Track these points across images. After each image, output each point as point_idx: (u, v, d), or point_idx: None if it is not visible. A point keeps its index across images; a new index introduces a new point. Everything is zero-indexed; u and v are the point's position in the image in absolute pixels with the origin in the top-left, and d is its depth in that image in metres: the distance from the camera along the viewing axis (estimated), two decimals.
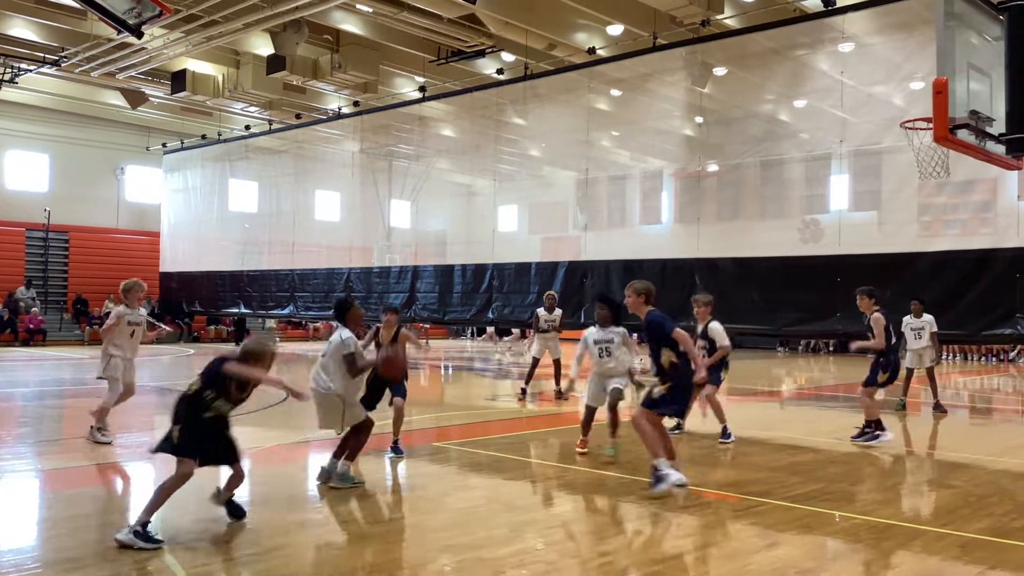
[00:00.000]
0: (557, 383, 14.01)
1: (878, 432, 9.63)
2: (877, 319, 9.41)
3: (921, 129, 9.35)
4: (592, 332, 8.79)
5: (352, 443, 7.31)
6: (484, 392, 16.29)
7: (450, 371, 20.51)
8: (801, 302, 14.41)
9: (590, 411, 8.87)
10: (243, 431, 10.41)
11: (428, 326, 30.62)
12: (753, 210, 17.14)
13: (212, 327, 31.34)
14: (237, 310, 27.49)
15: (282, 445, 9.52)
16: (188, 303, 29.01)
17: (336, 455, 7.36)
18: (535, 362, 14.19)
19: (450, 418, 12.14)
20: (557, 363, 13.96)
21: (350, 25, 20.67)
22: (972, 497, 7.22)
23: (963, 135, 6.93)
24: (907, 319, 12.65)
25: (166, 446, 5.69)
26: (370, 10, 19.47)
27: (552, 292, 15.00)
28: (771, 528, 6.13)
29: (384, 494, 7.44)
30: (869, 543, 5.80)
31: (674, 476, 6.72)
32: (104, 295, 28.86)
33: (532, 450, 9.60)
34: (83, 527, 5.90)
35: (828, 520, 6.40)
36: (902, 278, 13.35)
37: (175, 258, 29.41)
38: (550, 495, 7.35)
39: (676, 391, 7.07)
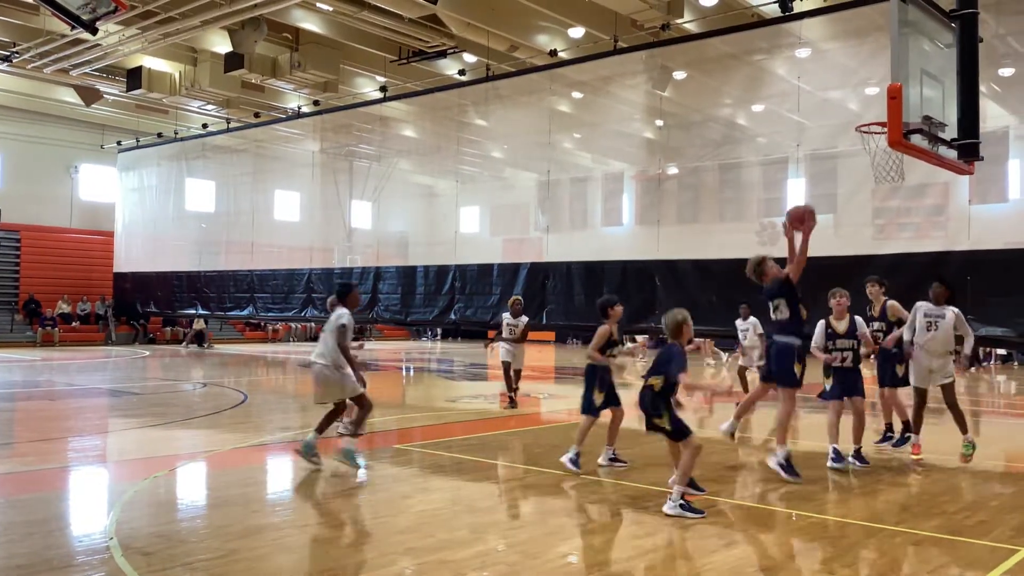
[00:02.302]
0: (510, 389, 13.15)
1: (908, 434, 9.17)
2: (894, 306, 8.90)
3: (876, 134, 9.51)
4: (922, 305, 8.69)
5: (358, 415, 8.08)
6: (448, 393, 16.24)
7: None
8: (761, 303, 14.54)
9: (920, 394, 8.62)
10: (199, 434, 10.33)
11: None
12: (712, 212, 17.32)
13: (168, 328, 30.87)
14: (194, 311, 27.08)
15: (239, 448, 9.40)
16: (143, 304, 28.50)
17: (319, 429, 8.01)
18: (506, 366, 13.14)
19: (411, 420, 12.09)
20: (517, 373, 13.14)
21: (310, 23, 20.49)
22: (925, 496, 7.36)
23: (917, 140, 7.07)
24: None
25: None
26: (330, 9, 19.32)
27: (518, 297, 14.15)
28: (729, 527, 6.19)
29: (344, 496, 7.37)
30: (825, 541, 5.89)
31: None
32: (57, 295, 28.31)
33: (494, 452, 9.59)
34: (35, 532, 5.76)
35: (785, 519, 6.48)
36: (857, 280, 13.55)
37: (130, 258, 28.89)
38: (512, 497, 7.35)
39: None
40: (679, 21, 17.53)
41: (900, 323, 8.65)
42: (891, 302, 8.86)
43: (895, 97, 6.78)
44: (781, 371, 8.07)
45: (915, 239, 13.85)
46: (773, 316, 8.43)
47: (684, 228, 17.07)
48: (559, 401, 14.41)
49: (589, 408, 8.26)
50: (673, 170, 17.42)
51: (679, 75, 17.03)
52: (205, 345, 28.70)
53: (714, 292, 15.07)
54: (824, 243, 14.40)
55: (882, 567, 5.41)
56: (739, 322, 13.69)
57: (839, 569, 5.27)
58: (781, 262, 14.34)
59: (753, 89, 16.06)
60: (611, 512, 6.70)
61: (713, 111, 17.05)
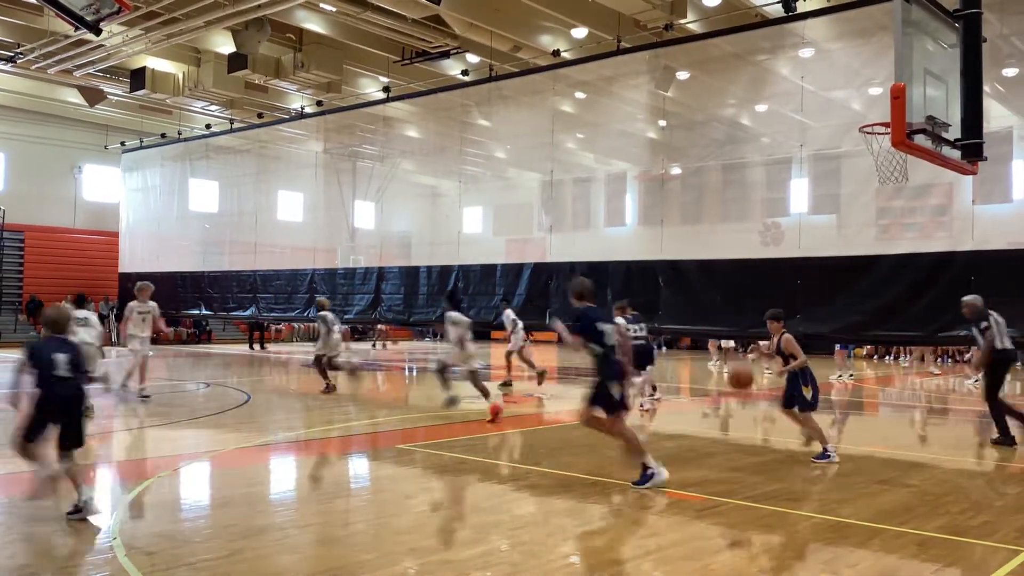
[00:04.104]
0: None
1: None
2: (789, 339, 8.98)
3: (879, 134, 9.51)
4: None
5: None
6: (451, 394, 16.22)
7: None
8: (763, 304, 14.47)
9: None
10: (202, 434, 10.33)
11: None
12: (715, 213, 17.32)
13: (172, 328, 30.89)
14: (198, 311, 27.11)
15: (242, 448, 9.41)
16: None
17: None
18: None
19: (414, 420, 12.09)
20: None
21: (313, 24, 20.51)
22: (929, 496, 7.35)
23: (920, 140, 7.06)
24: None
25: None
26: (334, 9, 19.34)
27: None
28: (733, 528, 6.18)
29: (347, 496, 7.38)
30: (829, 542, 5.88)
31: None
32: (60, 296, 28.25)
33: (496, 452, 9.59)
34: (39, 532, 5.77)
35: (789, 519, 6.47)
36: (861, 280, 13.58)
37: (134, 258, 28.90)
38: (514, 497, 7.34)
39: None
40: (682, 21, 17.52)
41: (794, 356, 8.83)
42: (786, 335, 9.01)
43: (899, 97, 6.77)
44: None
45: (919, 239, 13.84)
46: None
47: (687, 228, 17.07)
48: (562, 402, 14.40)
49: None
50: (676, 170, 17.42)
51: (682, 75, 17.03)
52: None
53: (718, 292, 15.07)
54: (827, 244, 14.46)
55: (885, 568, 5.40)
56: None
57: (843, 569, 5.26)
58: (783, 262, 14.39)
59: (756, 89, 16.05)
60: (613, 512, 6.69)
61: (716, 111, 17.05)
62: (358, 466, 8.89)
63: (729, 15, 16.89)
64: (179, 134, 27.46)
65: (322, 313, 15.05)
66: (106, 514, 6.39)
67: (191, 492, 7.63)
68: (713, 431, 11.43)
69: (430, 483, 7.68)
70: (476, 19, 18.95)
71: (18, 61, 22.45)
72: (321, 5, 19.27)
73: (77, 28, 12.59)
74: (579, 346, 7.30)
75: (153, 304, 13.36)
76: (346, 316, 21.78)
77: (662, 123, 17.69)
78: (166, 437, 10.23)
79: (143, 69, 23.35)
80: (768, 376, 17.57)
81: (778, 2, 14.52)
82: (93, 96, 26.13)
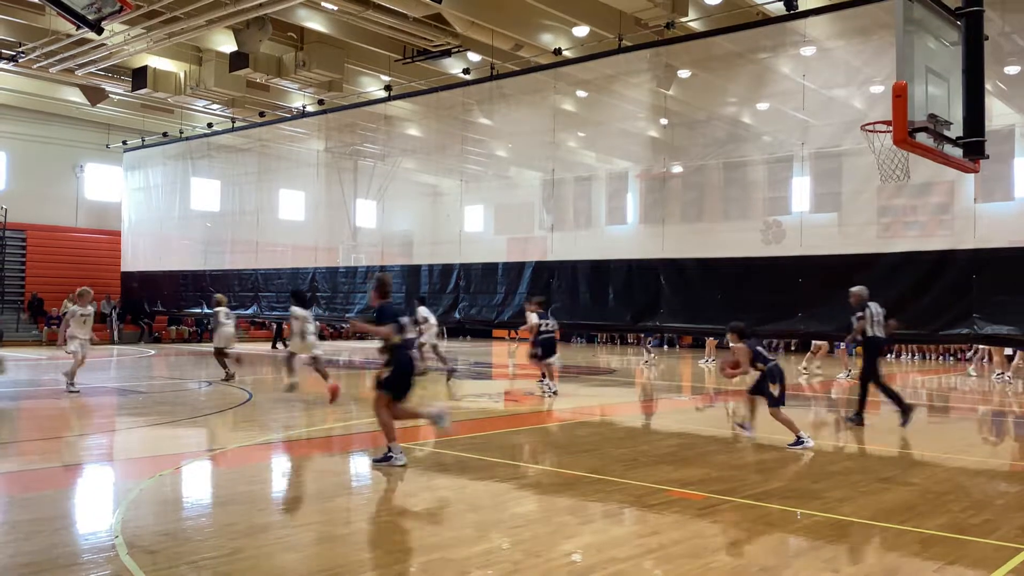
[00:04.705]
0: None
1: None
2: (740, 349, 9.92)
3: (881, 132, 9.51)
4: None
5: None
6: (453, 392, 16.24)
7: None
8: (764, 302, 14.58)
9: None
10: (204, 433, 10.34)
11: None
12: (716, 211, 17.33)
13: (174, 327, 30.93)
14: (199, 310, 27.13)
15: (244, 447, 9.42)
16: (150, 303, 28.56)
17: None
18: None
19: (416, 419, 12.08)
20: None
21: (315, 23, 20.50)
22: (931, 494, 7.35)
23: (922, 138, 7.05)
24: None
25: None
26: (335, 8, 19.32)
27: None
28: (734, 526, 6.19)
29: (349, 495, 7.39)
30: (830, 540, 5.88)
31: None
32: (63, 294, 28.31)
33: (498, 451, 9.59)
34: (40, 531, 5.78)
35: (790, 518, 6.47)
36: (862, 279, 13.57)
37: (136, 257, 28.97)
38: (515, 495, 7.34)
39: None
40: (683, 19, 17.51)
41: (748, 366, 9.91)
42: (738, 345, 9.94)
43: (900, 95, 6.77)
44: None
45: (921, 237, 13.85)
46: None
47: (689, 227, 17.08)
48: (564, 400, 14.41)
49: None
50: (677, 169, 17.42)
51: (683, 74, 17.02)
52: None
53: (719, 291, 15.09)
54: (829, 242, 14.46)
55: (887, 566, 5.40)
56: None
57: (844, 568, 5.26)
58: (785, 261, 14.38)
59: (758, 87, 16.05)
60: (615, 510, 6.70)
61: (718, 109, 17.05)
62: (359, 464, 8.89)
63: (730, 13, 16.88)
64: (181, 133, 27.47)
65: (217, 309, 16.46)
66: (108, 512, 6.41)
67: (192, 491, 7.64)
68: (713, 429, 11.42)
69: (431, 481, 7.68)
70: (477, 18, 18.94)
71: (20, 60, 22.45)
72: (322, 4, 19.25)
73: (79, 27, 12.59)
74: (388, 335, 7.90)
75: (92, 308, 14.64)
76: (348, 315, 21.83)
77: (663, 121, 17.69)
78: (168, 436, 10.24)
79: (145, 68, 23.35)
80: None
81: (779, 0, 14.51)
82: (95, 95, 26.14)
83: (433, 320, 17.00)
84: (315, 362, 13.75)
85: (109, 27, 16.69)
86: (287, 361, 13.79)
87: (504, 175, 22.97)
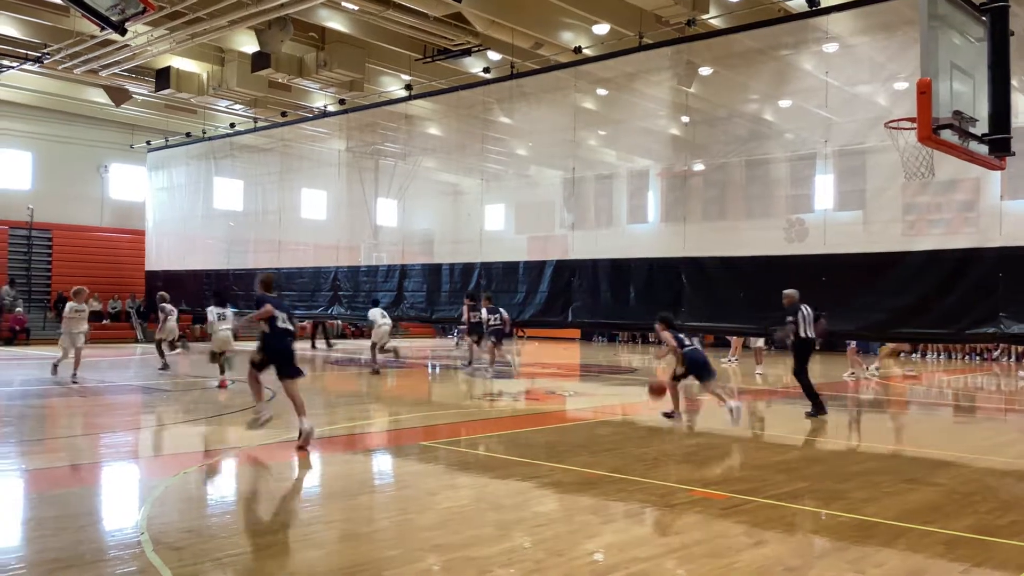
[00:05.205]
0: None
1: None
2: (667, 336, 11.41)
3: (905, 129, 9.43)
4: None
5: None
6: (474, 391, 16.28)
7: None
8: None
9: None
10: (228, 431, 10.41)
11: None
12: (739, 209, 17.22)
13: (197, 326, 31.15)
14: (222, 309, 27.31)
15: (267, 444, 9.48)
16: (174, 302, 28.70)
17: None
18: None
19: (437, 417, 12.13)
20: None
21: (336, 23, 20.60)
22: (957, 495, 7.27)
23: (947, 135, 6.98)
24: None
25: None
26: (356, 8, 19.40)
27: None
28: (757, 526, 6.16)
29: (371, 493, 7.42)
30: (854, 541, 5.84)
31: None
32: (90, 294, 28.61)
33: (519, 449, 9.60)
34: (67, 527, 5.85)
35: (814, 518, 6.43)
36: (886, 277, 13.45)
37: (160, 256, 29.22)
38: (537, 494, 7.34)
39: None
40: (705, 17, 17.42)
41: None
42: (665, 332, 11.40)
43: (924, 92, 6.70)
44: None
45: (946, 235, 13.68)
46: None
47: (710, 225, 16.99)
48: (585, 399, 14.40)
49: None
50: (699, 167, 17.33)
51: (705, 71, 16.92)
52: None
53: (741, 289, 14.99)
54: (853, 240, 14.34)
55: (912, 567, 5.35)
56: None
57: (868, 569, 5.22)
58: (808, 259, 14.27)
59: (780, 84, 15.93)
60: (637, 510, 6.68)
61: (739, 107, 16.93)
62: (381, 463, 8.94)
63: (752, 10, 16.77)
64: (204, 133, 27.68)
65: (162, 304, 18.04)
66: (134, 509, 6.48)
67: (217, 488, 7.70)
68: (736, 429, 11.36)
69: (453, 480, 7.70)
70: (498, 16, 18.94)
71: (45, 61, 22.71)
72: (343, 4, 19.33)
73: (103, 28, 12.70)
74: (264, 315, 9.02)
75: (86, 305, 16.00)
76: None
77: (685, 119, 17.60)
78: (192, 433, 10.33)
79: (168, 69, 23.56)
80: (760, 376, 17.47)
81: None
82: (119, 96, 26.40)
83: (383, 321, 18.25)
84: (219, 357, 15.14)
85: (133, 28, 16.81)
86: (217, 356, 15.23)
87: (524, 174, 22.96)
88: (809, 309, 12.14)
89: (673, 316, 12.33)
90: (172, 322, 17.78)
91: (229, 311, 16.26)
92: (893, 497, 7.14)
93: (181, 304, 28.57)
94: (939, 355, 28.21)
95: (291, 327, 9.24)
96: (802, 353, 12.23)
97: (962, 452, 9.52)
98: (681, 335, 11.46)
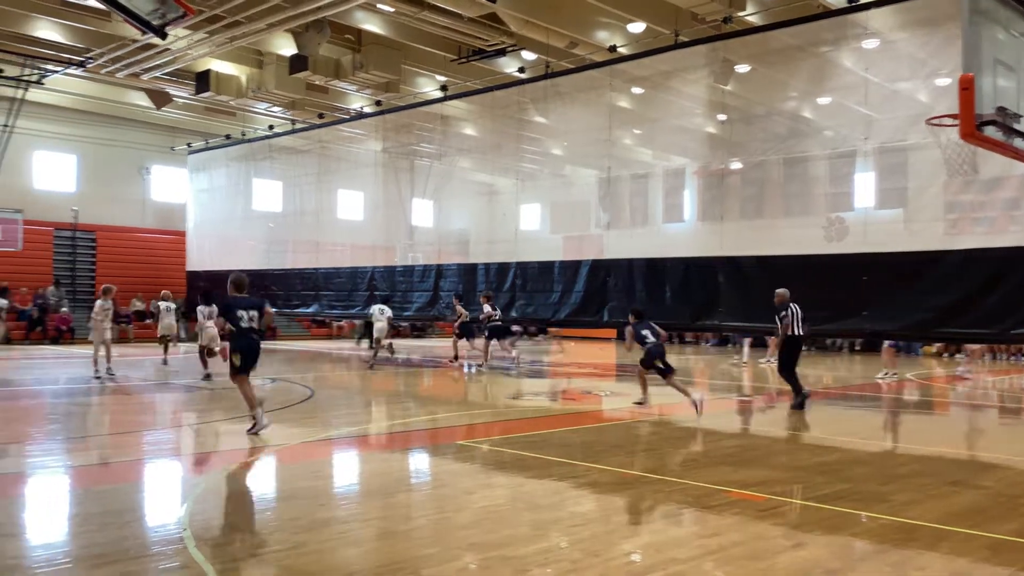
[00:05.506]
0: None
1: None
2: (628, 330, 12.45)
3: (947, 126, 9.28)
4: None
5: None
6: (510, 390, 16.32)
7: None
8: (826, 301, 14.29)
9: None
10: (268, 429, 10.53)
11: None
12: (777, 208, 17.04)
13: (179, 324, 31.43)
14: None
15: (307, 442, 9.59)
16: (213, 302, 29.15)
17: None
18: None
19: (474, 416, 12.17)
20: None
21: (372, 25, 20.76)
22: (1002, 498, 7.14)
23: (990, 132, 6.84)
24: None
25: None
26: (392, 10, 19.54)
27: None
28: (797, 528, 6.10)
29: (408, 491, 7.47)
30: (896, 544, 5.75)
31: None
32: (131, 293, 29.17)
33: (556, 449, 9.60)
34: (112, 523, 5.97)
35: (855, 520, 6.35)
36: (928, 276, 13.24)
37: (201, 257, 29.62)
38: (574, 494, 7.34)
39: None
40: (741, 14, 17.28)
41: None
42: (629, 327, 12.36)
43: (967, 88, 6.58)
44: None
45: (990, 234, 13.42)
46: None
47: (748, 224, 16.84)
48: (621, 399, 14.35)
49: None
50: (736, 165, 17.18)
51: (742, 68, 16.78)
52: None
53: (780, 288, 14.82)
54: (894, 239, 14.12)
55: (955, 571, 5.27)
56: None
57: (911, 572, 5.15)
58: (848, 258, 14.08)
59: (819, 81, 15.74)
60: (674, 511, 6.65)
61: (777, 104, 16.76)
62: (419, 461, 8.99)
63: (790, 6, 16.59)
64: (243, 135, 28.04)
65: (200, 307, 17.86)
66: (176, 506, 6.59)
67: (257, 485, 7.81)
68: (775, 430, 11.27)
69: (490, 479, 7.73)
70: (532, 16, 18.95)
71: (88, 66, 23.19)
72: (379, 6, 19.48)
73: (144, 33, 12.92)
74: (222, 325, 9.92)
75: (112, 302, 16.86)
76: (405, 313, 22.07)
77: (721, 117, 17.46)
78: (233, 431, 10.47)
79: (207, 72, 23.91)
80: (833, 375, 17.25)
81: None
82: (160, 99, 26.85)
83: (380, 317, 19.18)
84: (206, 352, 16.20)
85: (173, 32, 17.11)
86: (200, 354, 16.28)
87: (560, 173, 22.94)
88: (798, 308, 12.54)
89: (643, 309, 13.29)
90: (212, 328, 16.87)
91: (215, 309, 16.76)
92: (937, 500, 7.03)
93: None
94: (983, 356, 27.66)
95: (256, 325, 9.66)
96: (791, 349, 12.73)
97: (1009, 454, 9.34)
98: (645, 331, 12.20)
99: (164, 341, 19.23)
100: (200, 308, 16.78)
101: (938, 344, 27.07)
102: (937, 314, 13.19)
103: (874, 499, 6.99)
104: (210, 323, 16.06)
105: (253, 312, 9.60)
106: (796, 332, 12.58)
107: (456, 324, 20.01)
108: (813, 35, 15.14)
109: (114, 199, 30.18)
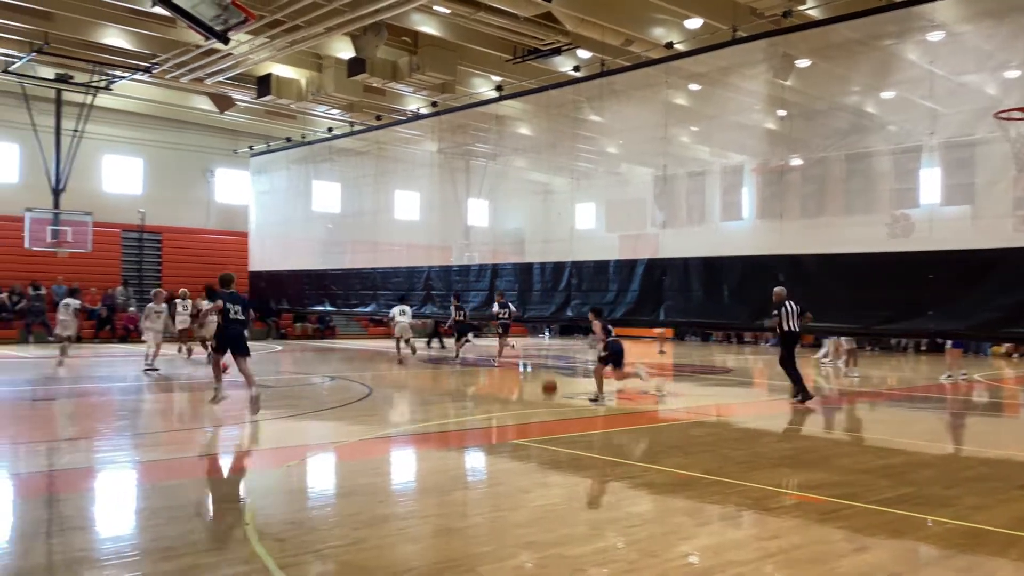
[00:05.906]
0: None
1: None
2: (598, 325, 13.28)
3: (1016, 119, 9.00)
4: None
5: None
6: (565, 390, 16.31)
7: None
8: (890, 300, 13.97)
9: None
10: (328, 426, 10.71)
11: None
12: (838, 205, 16.69)
13: (298, 324, 32.11)
14: (322, 308, 28.15)
15: (365, 440, 9.72)
16: (276, 301, 29.77)
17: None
18: None
19: (528, 415, 12.20)
20: None
21: (428, 27, 20.92)
22: None
23: None
24: None
25: None
26: (447, 11, 19.66)
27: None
28: (859, 531, 5.98)
29: (465, 489, 7.52)
30: (963, 549, 5.61)
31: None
32: (196, 294, 29.81)
33: (611, 449, 9.57)
34: (179, 517, 6.14)
35: (919, 525, 6.21)
36: (996, 274, 12.84)
37: (263, 257, 30.24)
38: (630, 494, 7.31)
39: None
40: (801, 8, 16.97)
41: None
42: (596, 322, 13.26)
43: None
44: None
45: None
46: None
47: (808, 221, 16.53)
48: (678, 399, 14.23)
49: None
50: (796, 161, 16.88)
51: (802, 63, 16.48)
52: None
53: (842, 287, 14.53)
54: (961, 236, 13.74)
55: None
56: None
57: None
58: (914, 256, 13.74)
59: (882, 75, 15.37)
60: (733, 513, 6.58)
61: (839, 99, 16.41)
62: (474, 459, 9.04)
63: (851, 0, 16.26)
64: (303, 137, 28.52)
65: (201, 303, 19.43)
66: (239, 501, 6.74)
67: (317, 481, 7.94)
68: (836, 432, 11.05)
69: (546, 478, 7.74)
70: (588, 15, 18.89)
71: (154, 71, 23.81)
72: (435, 7, 19.62)
73: (207, 38, 13.28)
74: (214, 309, 11.15)
75: (164, 305, 18.10)
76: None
77: (781, 113, 17.17)
78: (294, 428, 10.68)
79: (269, 76, 24.37)
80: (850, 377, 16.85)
81: None
82: (223, 103, 27.46)
83: (401, 318, 20.36)
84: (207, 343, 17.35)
85: (235, 38, 17.48)
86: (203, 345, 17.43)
87: (615, 172, 22.81)
88: (794, 304, 13.10)
89: (603, 307, 14.82)
90: (212, 324, 17.51)
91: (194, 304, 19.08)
92: (1005, 504, 6.83)
93: (282, 303, 29.66)
94: None
95: (242, 317, 11.08)
96: (788, 344, 13.33)
97: None
98: (609, 326, 13.29)
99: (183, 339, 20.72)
100: (203, 303, 17.95)
101: (1007, 344, 26.25)
102: (1005, 313, 12.78)
103: (939, 503, 6.83)
104: (212, 318, 16.81)
105: (238, 306, 11.06)
106: (791, 328, 13.08)
107: (448, 324, 21.59)
108: (875, 28, 14.80)
109: (179, 201, 30.96)
